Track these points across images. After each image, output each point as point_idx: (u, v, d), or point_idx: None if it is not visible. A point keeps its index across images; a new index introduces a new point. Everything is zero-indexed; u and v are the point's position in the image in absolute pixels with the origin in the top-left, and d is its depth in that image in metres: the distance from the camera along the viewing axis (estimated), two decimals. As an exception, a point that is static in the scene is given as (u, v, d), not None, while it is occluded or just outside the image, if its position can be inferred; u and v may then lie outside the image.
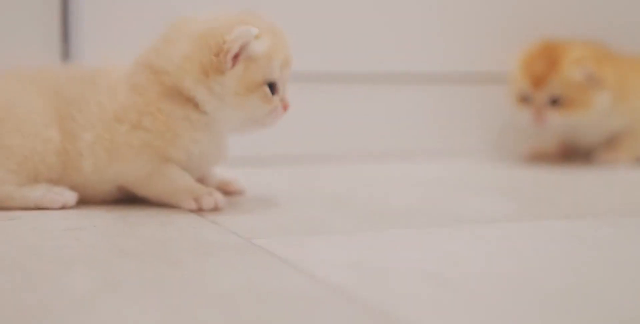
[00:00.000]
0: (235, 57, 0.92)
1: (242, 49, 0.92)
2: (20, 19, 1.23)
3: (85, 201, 0.98)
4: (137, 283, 0.68)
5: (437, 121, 1.50)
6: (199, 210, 0.97)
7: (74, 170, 0.96)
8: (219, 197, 0.98)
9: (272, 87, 0.96)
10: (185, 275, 0.71)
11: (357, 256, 0.78)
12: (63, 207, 0.96)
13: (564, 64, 1.38)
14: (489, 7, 1.51)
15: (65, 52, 1.25)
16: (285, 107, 0.98)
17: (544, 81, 1.38)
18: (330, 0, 1.40)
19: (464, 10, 1.49)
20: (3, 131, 0.94)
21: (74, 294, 0.64)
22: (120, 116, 0.95)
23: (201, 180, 1.04)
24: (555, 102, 1.38)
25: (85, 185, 0.97)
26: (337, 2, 1.40)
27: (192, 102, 0.95)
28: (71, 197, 0.96)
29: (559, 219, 0.98)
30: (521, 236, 0.89)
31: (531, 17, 1.52)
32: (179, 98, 0.95)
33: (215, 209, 0.97)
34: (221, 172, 1.09)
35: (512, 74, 1.43)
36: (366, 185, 1.22)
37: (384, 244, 0.84)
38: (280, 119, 0.98)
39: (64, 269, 0.71)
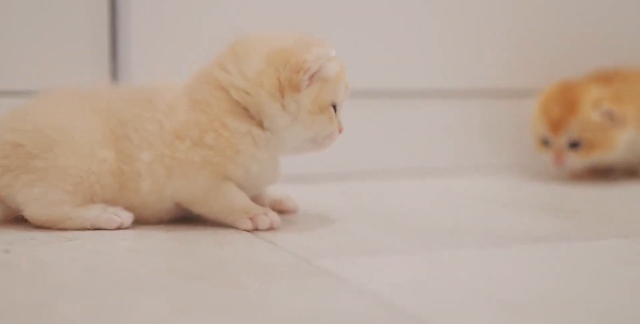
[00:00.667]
0: (312, 76, 0.94)
1: (320, 69, 0.94)
2: (70, 38, 1.25)
3: (140, 221, 0.98)
4: (204, 307, 0.68)
5: (470, 136, 1.50)
6: (255, 230, 0.97)
7: (131, 190, 0.97)
8: (274, 217, 0.98)
9: (334, 109, 0.97)
10: (249, 298, 0.71)
11: (418, 277, 0.78)
12: (119, 228, 0.96)
13: (582, 107, 1.36)
14: (522, 24, 1.50)
15: (114, 71, 1.27)
16: (340, 130, 0.99)
17: (562, 126, 1.37)
18: (357, 16, 1.40)
19: (499, 26, 1.49)
20: (59, 152, 0.95)
21: (145, 319, 0.64)
22: (180, 133, 0.95)
23: (254, 199, 1.04)
24: (575, 145, 1.37)
25: (141, 205, 0.98)
26: (365, 19, 1.41)
27: (255, 119, 0.96)
28: (127, 217, 0.97)
29: (614, 238, 0.97)
30: (578, 256, 0.88)
31: (564, 34, 1.52)
32: (243, 114, 0.96)
33: (271, 228, 0.97)
34: (273, 190, 1.09)
35: (533, 118, 1.42)
36: (410, 201, 1.22)
37: (442, 264, 0.84)
38: (335, 141, 0.99)
39: (131, 292, 0.72)
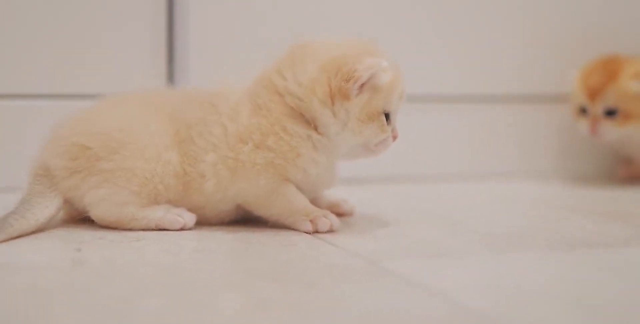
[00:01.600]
0: (362, 85, 0.95)
1: (370, 78, 0.95)
2: (128, 41, 1.27)
3: (201, 222, 1.00)
4: (282, 305, 0.69)
5: (509, 141, 1.51)
6: (315, 232, 0.98)
7: (195, 191, 0.98)
8: (334, 219, 0.99)
9: (387, 116, 0.99)
10: (325, 298, 0.72)
11: (488, 279, 0.79)
12: (182, 229, 0.97)
13: (621, 76, 1.39)
14: (552, 30, 1.51)
15: (171, 75, 1.29)
16: (395, 137, 1.01)
17: (599, 93, 1.40)
18: (386, 21, 1.42)
19: (532, 33, 1.51)
20: (126, 154, 0.97)
21: (228, 316, 0.66)
22: (243, 136, 0.97)
23: (312, 202, 1.05)
24: (610, 113, 1.39)
25: (204, 205, 0.99)
26: (405, 27, 1.43)
27: (313, 124, 0.97)
28: (190, 218, 0.98)
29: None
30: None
31: (592, 38, 1.52)
32: (301, 119, 0.97)
33: (330, 231, 0.99)
34: (330, 193, 1.10)
35: (573, 87, 1.45)
36: (464, 204, 1.23)
37: (510, 267, 0.85)
38: (389, 148, 1.00)
39: (208, 290, 0.73)
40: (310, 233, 0.98)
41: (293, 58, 0.99)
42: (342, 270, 0.82)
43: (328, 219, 0.99)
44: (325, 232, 0.98)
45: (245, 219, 1.02)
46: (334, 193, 1.08)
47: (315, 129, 0.98)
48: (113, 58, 1.26)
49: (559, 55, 1.52)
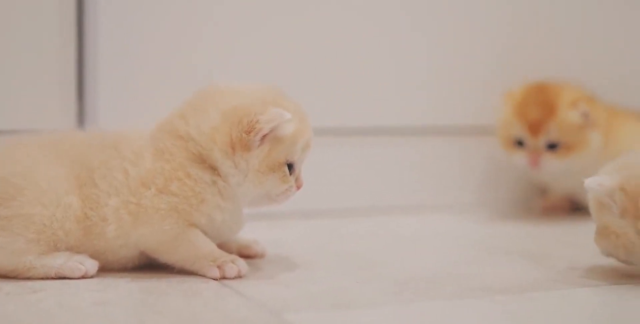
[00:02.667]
0: (264, 137, 0.94)
1: (272, 130, 0.93)
2: (37, 80, 1.24)
3: (105, 268, 0.96)
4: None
5: (439, 173, 1.50)
6: (222, 278, 0.96)
7: (96, 236, 0.95)
8: (241, 264, 0.97)
9: (290, 167, 0.97)
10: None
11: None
12: (83, 277, 0.94)
13: (561, 108, 1.39)
14: (471, 63, 1.51)
15: (81, 113, 1.25)
16: (298, 187, 1.00)
17: (541, 127, 1.38)
18: (328, 58, 1.42)
19: (448, 67, 1.50)
20: (23, 200, 0.93)
21: None
22: (146, 181, 0.94)
23: (221, 244, 1.03)
24: (552, 146, 1.39)
25: (107, 251, 0.96)
26: (335, 60, 1.42)
27: (217, 171, 0.95)
28: (92, 266, 0.95)
29: (583, 286, 0.97)
30: (549, 308, 0.88)
31: (510, 68, 1.53)
32: (206, 164, 0.95)
33: (238, 276, 0.96)
34: (240, 234, 1.08)
35: (505, 118, 1.43)
36: (382, 243, 1.22)
37: (416, 318, 0.83)
38: (292, 198, 1.00)
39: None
40: (217, 280, 0.95)
41: (197, 103, 0.97)
42: (245, 325, 0.80)
43: (236, 265, 0.97)
44: (233, 278, 0.96)
45: (151, 264, 0.99)
46: (254, 229, 1.07)
47: (221, 175, 0.96)
48: (20, 95, 1.22)
49: (477, 86, 1.52)
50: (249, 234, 1.09)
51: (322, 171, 1.40)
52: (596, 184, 0.93)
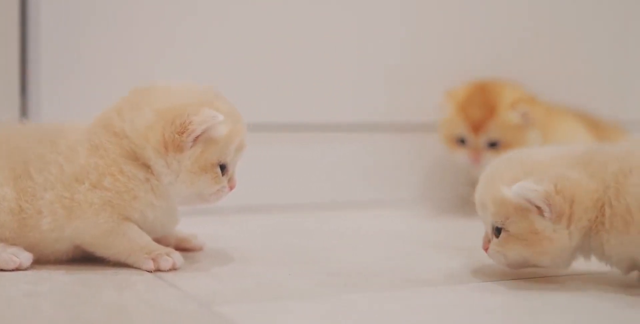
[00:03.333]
0: (196, 138, 0.94)
1: (205, 131, 0.94)
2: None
3: (40, 261, 0.97)
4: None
5: (378, 169, 1.53)
6: (157, 270, 0.97)
7: (31, 228, 0.96)
8: (177, 257, 0.98)
9: (223, 167, 0.98)
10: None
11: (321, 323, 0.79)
12: (17, 269, 0.95)
13: (502, 108, 1.42)
14: (417, 62, 1.54)
15: (24, 107, 1.26)
16: (231, 188, 1.01)
17: (483, 126, 1.42)
18: (281, 55, 1.44)
19: (393, 64, 1.52)
20: (-42, 192, 0.94)
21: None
22: (80, 176, 0.95)
23: (160, 238, 1.04)
24: (492, 145, 1.42)
25: (41, 244, 0.97)
26: (287, 58, 1.44)
27: (151, 169, 0.96)
28: (26, 258, 0.96)
29: (505, 279, 0.99)
30: (481, 300, 0.90)
31: (455, 68, 1.56)
32: (139, 162, 0.96)
33: (173, 269, 0.97)
34: (180, 228, 1.09)
35: (448, 117, 1.46)
36: (321, 239, 1.23)
37: (345, 310, 0.85)
38: (224, 197, 1.01)
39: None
40: (152, 272, 0.96)
41: (134, 100, 0.98)
42: (172, 316, 0.80)
43: (171, 257, 0.98)
44: (168, 270, 0.97)
45: (87, 257, 0.99)
46: (195, 223, 1.08)
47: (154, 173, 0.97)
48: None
49: (422, 84, 1.54)
50: (191, 228, 1.10)
51: (270, 166, 1.42)
52: (530, 190, 0.89)
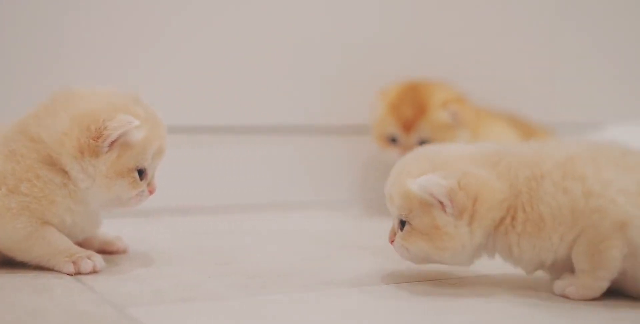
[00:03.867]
0: (112, 143, 0.95)
1: (121, 137, 0.95)
2: None
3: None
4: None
5: (307, 171, 1.55)
6: (77, 273, 0.98)
7: None
8: (98, 260, 0.99)
9: (142, 172, 0.99)
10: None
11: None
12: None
13: (432, 108, 1.45)
14: (347, 64, 1.56)
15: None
16: (151, 192, 1.02)
17: (414, 126, 1.45)
18: (209, 57, 1.45)
19: (325, 67, 1.55)
20: None
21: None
22: None
23: (83, 241, 1.05)
24: (423, 143, 1.44)
25: None
26: (213, 60, 1.46)
27: (68, 173, 0.97)
28: None
29: (428, 280, 1.01)
30: (395, 302, 0.92)
31: (385, 70, 1.58)
32: (57, 167, 0.97)
33: (94, 272, 0.98)
34: (104, 230, 1.10)
35: (380, 116, 1.49)
36: (245, 240, 1.24)
37: (255, 311, 0.87)
38: (144, 202, 1.02)
39: None
40: (72, 275, 0.97)
41: (50, 105, 0.98)
42: (84, 319, 0.82)
43: (91, 260, 0.99)
44: (89, 273, 0.98)
45: (8, 261, 1.00)
46: (114, 228, 1.09)
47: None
48: None
49: (351, 86, 1.56)
50: (117, 230, 1.11)
51: (202, 168, 1.43)
52: (434, 185, 0.90)
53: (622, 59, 1.82)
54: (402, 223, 0.95)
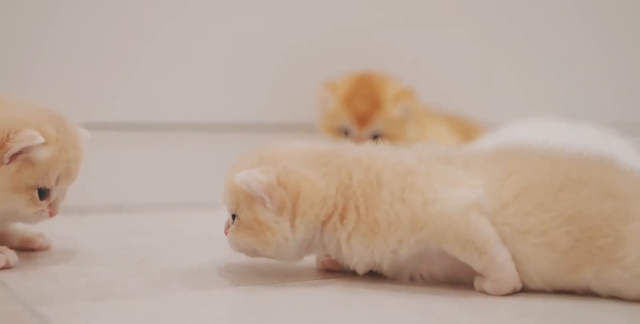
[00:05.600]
0: (14, 156, 0.93)
1: (24, 151, 0.93)
2: None
3: None
4: None
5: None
6: None
7: None
8: (10, 255, 0.98)
9: (44, 192, 0.97)
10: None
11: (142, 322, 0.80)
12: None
13: (386, 102, 1.46)
14: (291, 62, 1.56)
15: None
16: (51, 214, 0.99)
17: (368, 120, 1.46)
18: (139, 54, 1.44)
19: (270, 66, 1.55)
20: None
21: None
22: None
23: (2, 236, 1.03)
24: (375, 137, 1.45)
25: None
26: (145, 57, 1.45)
27: None
28: None
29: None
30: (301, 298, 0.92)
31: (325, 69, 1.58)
32: None
33: (7, 267, 0.97)
34: (25, 227, 1.08)
35: (331, 109, 1.49)
36: (170, 239, 1.23)
37: (169, 310, 0.86)
38: (42, 221, 1.00)
39: None
40: (-16, 270, 0.96)
41: None
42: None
43: (4, 255, 0.97)
44: (0, 269, 0.97)
45: None
46: (40, 225, 1.06)
47: None
48: None
49: (292, 84, 1.56)
50: (43, 228, 1.08)
51: (128, 166, 1.42)
52: (252, 179, 0.92)
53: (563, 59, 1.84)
54: (233, 217, 0.97)
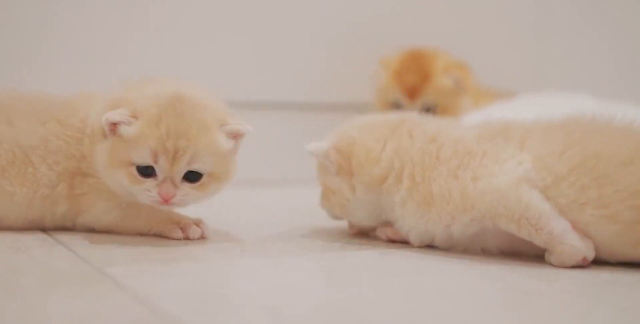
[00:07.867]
0: (110, 131, 0.95)
1: (113, 126, 0.94)
2: None
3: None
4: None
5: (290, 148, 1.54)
6: (186, 239, 1.00)
7: None
8: (204, 228, 1.01)
9: (146, 169, 0.94)
10: (26, 306, 0.72)
11: (202, 286, 0.81)
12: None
13: (435, 74, 1.47)
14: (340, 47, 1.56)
15: None
16: (163, 199, 0.95)
17: (418, 92, 1.48)
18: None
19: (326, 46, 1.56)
20: None
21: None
22: None
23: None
24: (428, 109, 1.45)
25: None
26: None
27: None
28: None
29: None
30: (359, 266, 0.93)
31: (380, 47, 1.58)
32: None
33: (203, 238, 1.01)
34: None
35: (383, 84, 1.51)
36: (236, 211, 1.25)
37: (231, 273, 0.87)
38: (155, 202, 0.97)
39: None
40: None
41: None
42: (61, 276, 0.82)
43: (200, 228, 1.00)
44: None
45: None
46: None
47: None
48: None
49: (343, 66, 1.56)
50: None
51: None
52: (313, 148, 1.01)
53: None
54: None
